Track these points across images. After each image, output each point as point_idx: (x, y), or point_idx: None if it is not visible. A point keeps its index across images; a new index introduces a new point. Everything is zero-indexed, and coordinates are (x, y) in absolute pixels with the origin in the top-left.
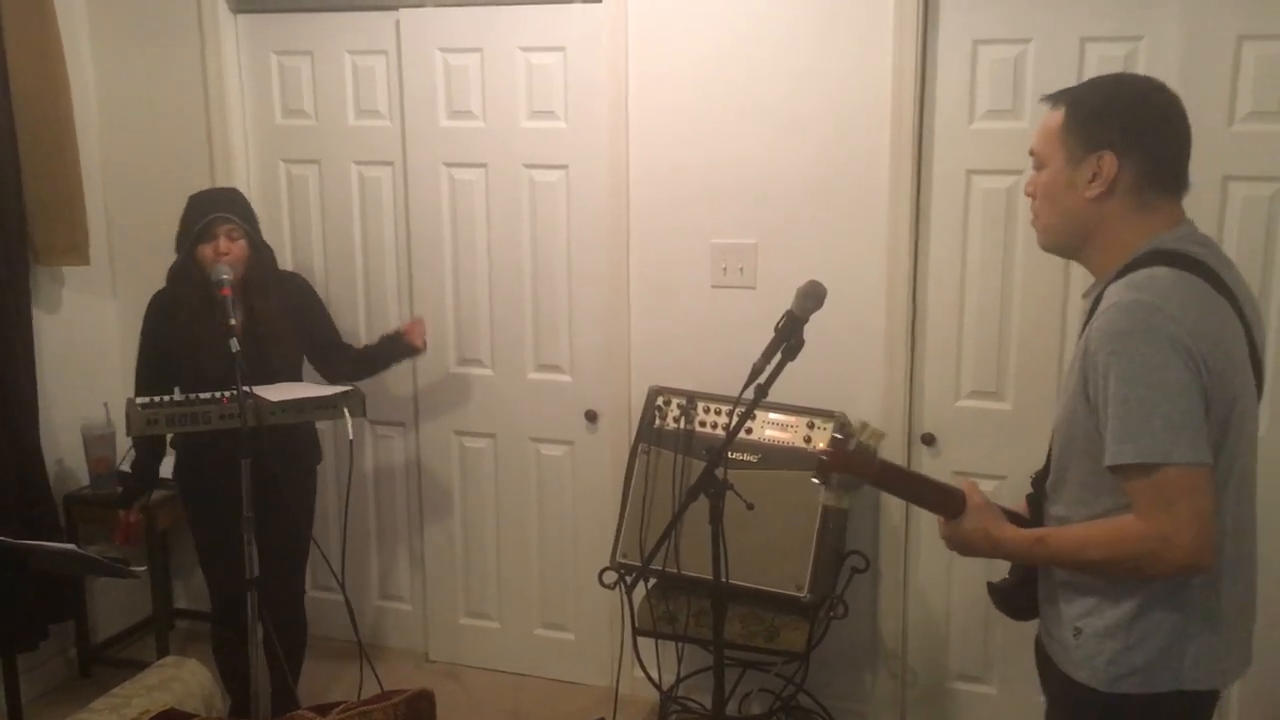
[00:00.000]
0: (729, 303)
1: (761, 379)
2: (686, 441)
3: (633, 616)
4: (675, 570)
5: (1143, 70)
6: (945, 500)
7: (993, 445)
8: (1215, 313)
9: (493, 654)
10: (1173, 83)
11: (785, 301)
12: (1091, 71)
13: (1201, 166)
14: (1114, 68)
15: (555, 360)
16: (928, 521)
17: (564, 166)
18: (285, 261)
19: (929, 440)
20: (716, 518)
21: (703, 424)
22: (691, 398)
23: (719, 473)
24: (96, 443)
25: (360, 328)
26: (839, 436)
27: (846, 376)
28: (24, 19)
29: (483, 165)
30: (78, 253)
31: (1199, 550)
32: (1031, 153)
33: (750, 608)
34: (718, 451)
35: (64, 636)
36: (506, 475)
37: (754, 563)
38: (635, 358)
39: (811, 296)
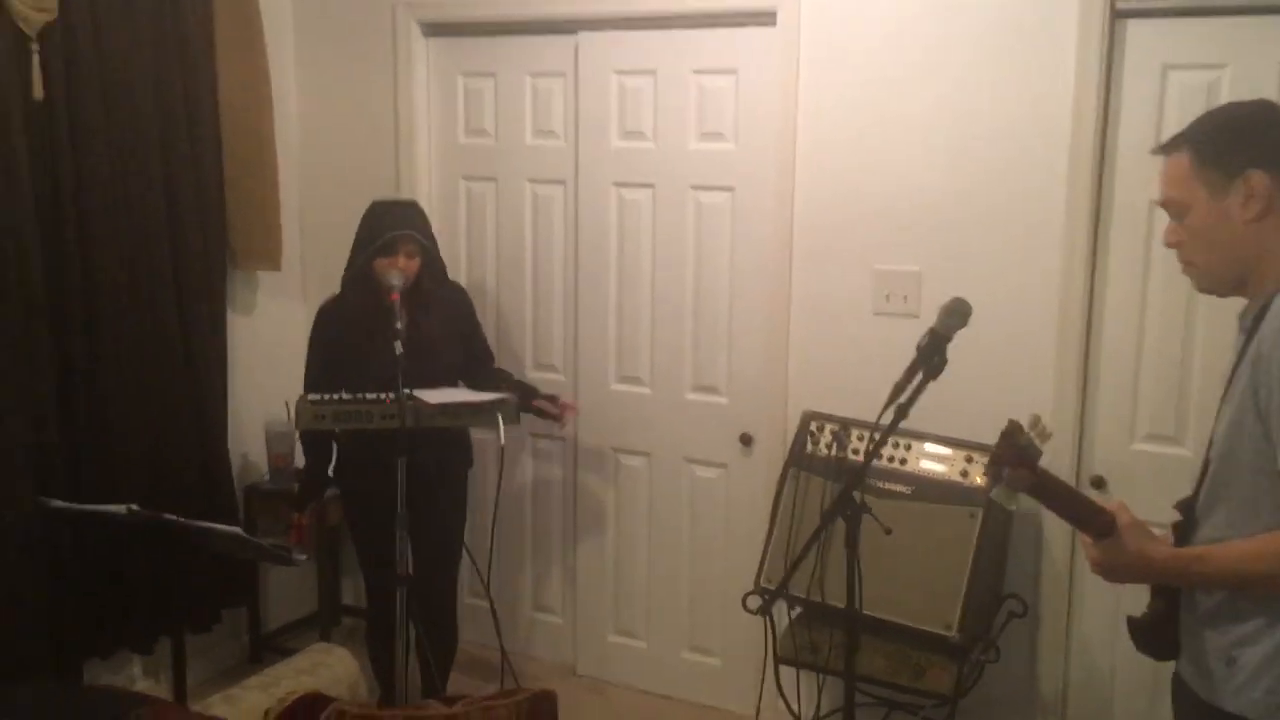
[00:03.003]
0: (890, 331)
1: (903, 399)
2: (837, 468)
3: (775, 644)
4: (819, 599)
5: None
6: (1097, 518)
7: (1169, 493)
8: None
9: (639, 673)
10: None
11: None
12: None
13: None
14: None
15: (712, 382)
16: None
17: (730, 189)
18: (460, 274)
19: (1099, 483)
20: (852, 542)
21: (855, 451)
22: (845, 424)
23: (857, 495)
24: (277, 439)
25: (527, 341)
26: (1012, 427)
27: (1011, 411)
28: (234, 40)
29: (650, 186)
30: (271, 259)
31: None
32: (1165, 204)
33: (897, 644)
34: (856, 473)
35: (237, 622)
36: (660, 495)
37: (902, 597)
38: (792, 382)
39: (956, 314)
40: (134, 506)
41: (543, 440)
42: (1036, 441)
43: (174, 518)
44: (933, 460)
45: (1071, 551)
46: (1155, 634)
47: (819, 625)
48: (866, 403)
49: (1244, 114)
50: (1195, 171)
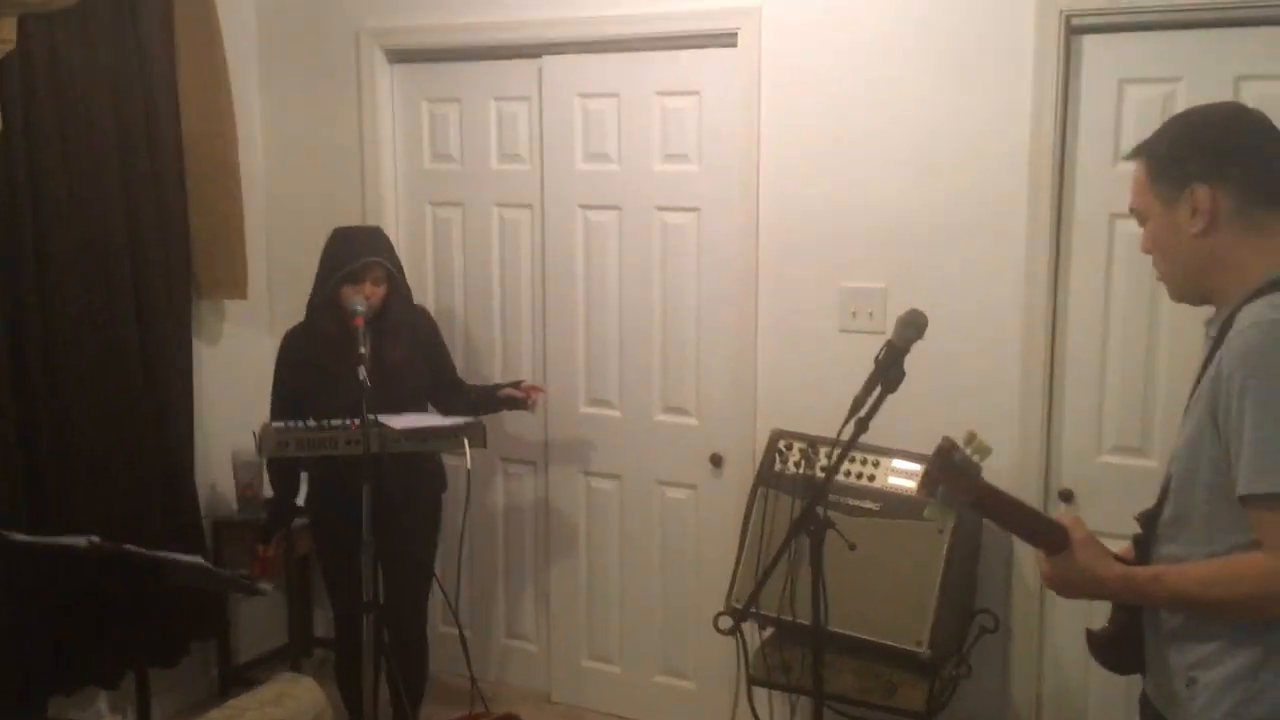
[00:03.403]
0: (857, 348)
1: (862, 412)
2: (806, 486)
3: (748, 664)
4: (790, 618)
5: None
6: (1046, 533)
7: (1136, 505)
8: None
9: (614, 698)
10: None
11: (915, 348)
12: None
13: None
14: (1273, 106)
15: (682, 403)
16: None
17: (695, 209)
18: (428, 299)
19: (1067, 496)
20: (816, 558)
21: (824, 469)
22: (813, 442)
23: (820, 511)
24: (244, 469)
25: (496, 365)
26: (946, 444)
27: (978, 426)
28: (197, 69)
29: (616, 208)
30: (237, 287)
31: None
32: (1132, 211)
33: (868, 662)
34: (818, 489)
35: (207, 655)
36: (631, 518)
37: (872, 614)
38: (762, 402)
39: (912, 325)
40: (94, 538)
41: (514, 465)
42: (974, 457)
43: (135, 549)
44: (901, 476)
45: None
46: (1114, 647)
47: (791, 645)
48: (835, 420)
49: (1194, 124)
50: (1149, 182)
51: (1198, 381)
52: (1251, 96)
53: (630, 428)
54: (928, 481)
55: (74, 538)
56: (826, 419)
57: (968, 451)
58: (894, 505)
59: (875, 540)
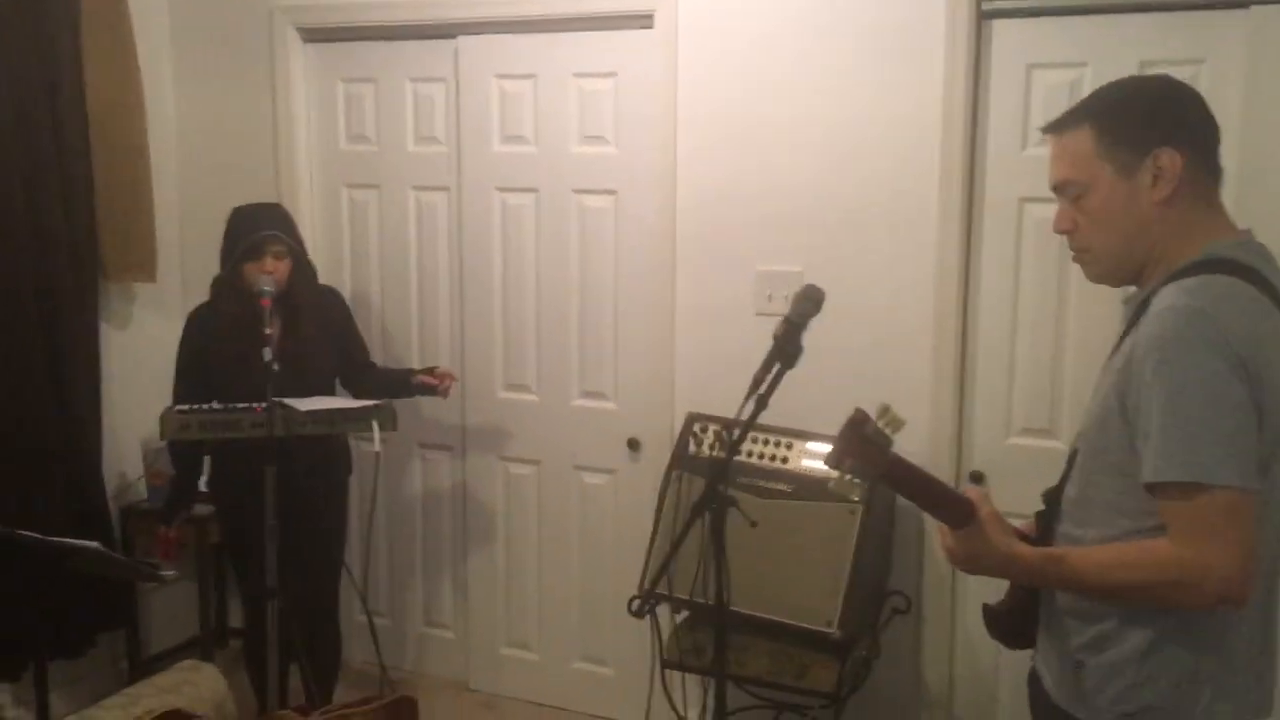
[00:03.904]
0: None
1: (762, 389)
2: (721, 469)
3: (661, 648)
4: (702, 600)
5: (1207, 94)
6: (953, 507)
7: (1046, 486)
8: (1271, 328)
9: (532, 686)
10: (1237, 107)
11: (829, 330)
12: None
13: (1277, 192)
14: None
15: (600, 387)
16: None
17: (613, 192)
18: (343, 283)
19: (978, 479)
20: (717, 534)
21: (739, 452)
22: (728, 425)
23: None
24: (154, 456)
25: (413, 349)
26: (859, 415)
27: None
28: (102, 43)
29: (534, 190)
30: (145, 270)
31: (1238, 585)
32: (1060, 186)
33: (780, 644)
34: (719, 466)
35: (115, 647)
36: (549, 503)
37: (784, 596)
38: (679, 386)
39: (809, 300)
40: None
41: (431, 450)
42: (886, 430)
43: (28, 534)
44: (814, 459)
45: None
46: (1010, 623)
47: (704, 627)
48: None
49: (1152, 88)
50: (1100, 148)
51: (1111, 359)
52: None
53: (548, 412)
54: (837, 453)
55: None
56: (745, 400)
57: (880, 424)
58: (806, 487)
59: (788, 522)
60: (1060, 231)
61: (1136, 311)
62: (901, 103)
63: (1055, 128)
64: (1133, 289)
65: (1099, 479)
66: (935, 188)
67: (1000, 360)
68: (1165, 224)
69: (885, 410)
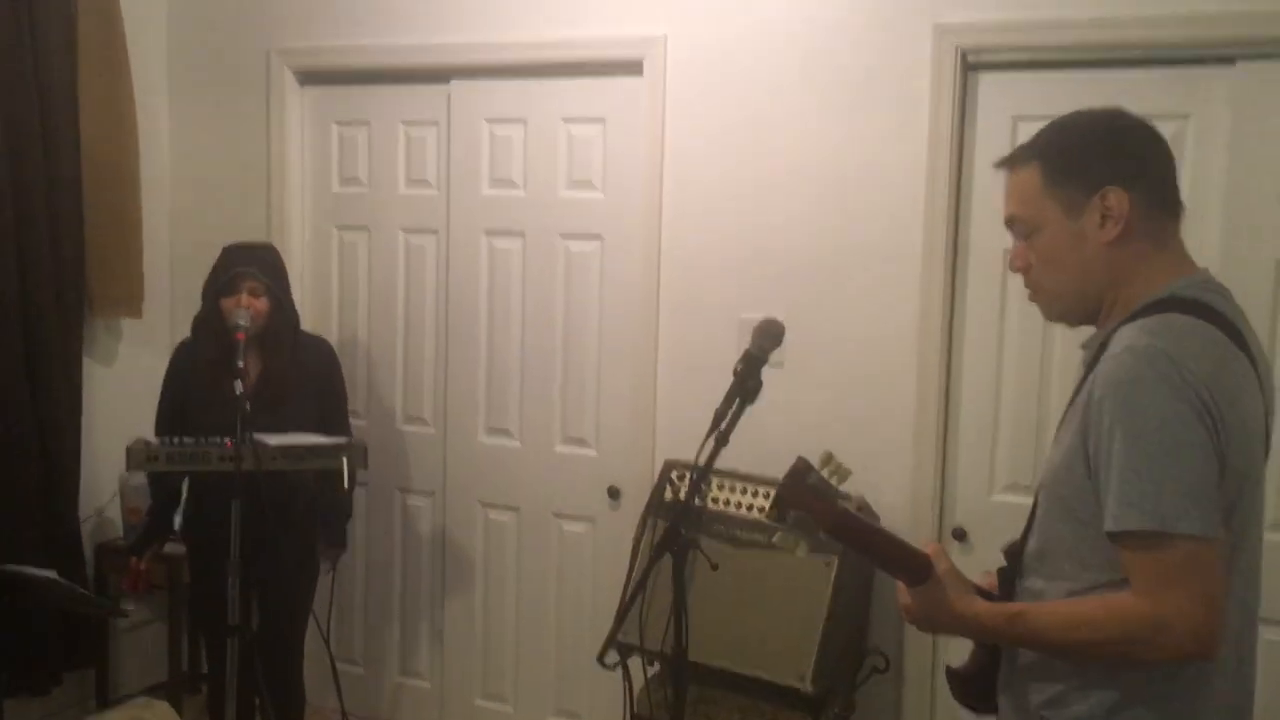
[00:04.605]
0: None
1: (722, 426)
2: (698, 517)
3: (633, 702)
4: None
5: (1192, 149)
6: (908, 563)
7: None
8: (1233, 370)
9: None
10: (1222, 162)
11: (811, 379)
12: None
13: (1260, 248)
14: None
15: (581, 434)
16: None
17: (599, 237)
18: (331, 324)
19: (960, 535)
20: (678, 577)
21: (715, 500)
22: (704, 471)
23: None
24: (132, 494)
25: (397, 393)
26: (798, 466)
27: (871, 462)
28: (98, 79)
29: (521, 234)
30: (130, 305)
31: (1206, 637)
32: (1013, 222)
33: (752, 698)
34: (682, 508)
35: (84, 687)
36: (528, 552)
37: (756, 649)
38: (660, 433)
39: (768, 335)
40: None
41: (411, 495)
42: (831, 479)
43: None
44: None
45: None
46: (974, 685)
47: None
48: (733, 452)
49: (1100, 124)
50: (1047, 187)
51: (1068, 407)
52: None
53: (529, 458)
54: (778, 505)
55: None
56: (725, 450)
57: (824, 473)
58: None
59: (763, 573)
60: (1015, 270)
61: (1095, 354)
62: (888, 153)
63: (1007, 163)
64: (1092, 330)
65: (1061, 530)
66: (920, 237)
67: (984, 413)
68: (1118, 264)
69: (829, 458)
